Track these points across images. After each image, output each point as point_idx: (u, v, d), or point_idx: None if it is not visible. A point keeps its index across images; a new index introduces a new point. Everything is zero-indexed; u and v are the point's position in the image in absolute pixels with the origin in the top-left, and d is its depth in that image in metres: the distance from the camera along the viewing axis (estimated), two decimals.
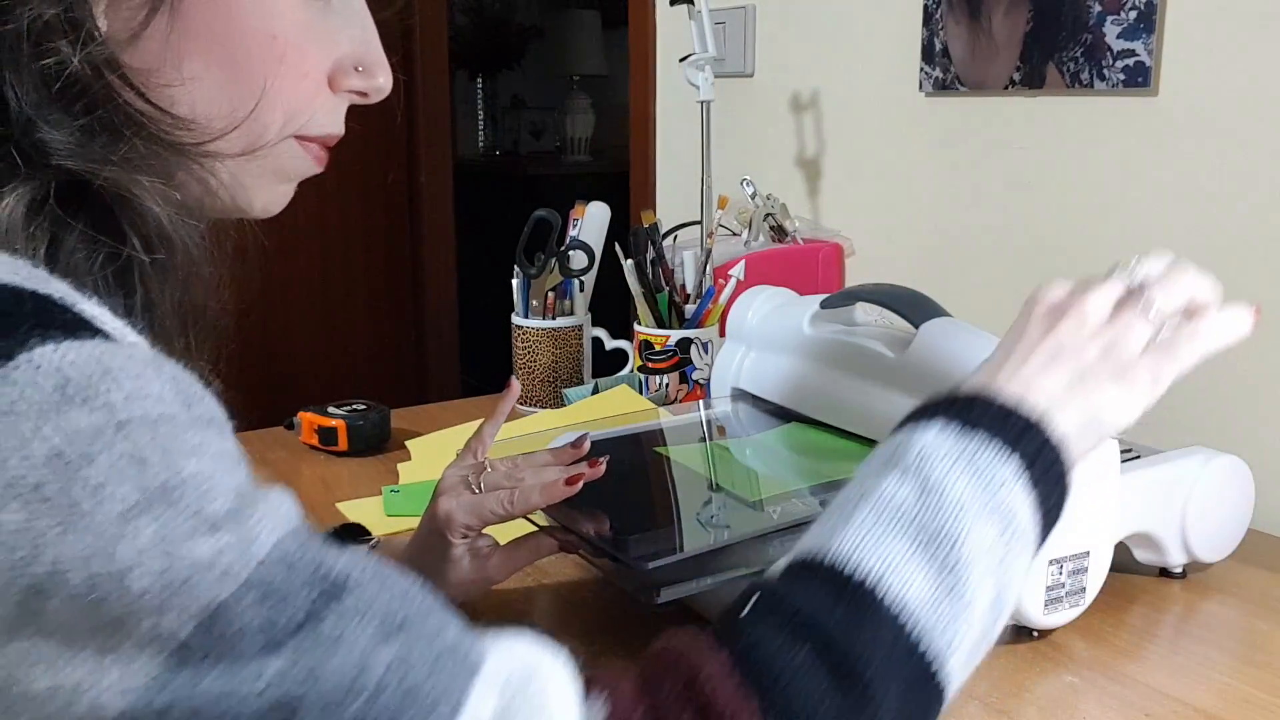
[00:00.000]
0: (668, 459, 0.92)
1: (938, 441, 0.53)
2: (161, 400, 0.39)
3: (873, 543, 0.49)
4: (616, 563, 0.72)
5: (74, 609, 0.36)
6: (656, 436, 0.97)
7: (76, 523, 0.36)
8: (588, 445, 0.78)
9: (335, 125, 0.57)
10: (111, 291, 0.48)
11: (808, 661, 0.45)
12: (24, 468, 0.36)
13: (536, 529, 0.80)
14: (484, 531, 0.77)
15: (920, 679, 0.48)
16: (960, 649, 0.49)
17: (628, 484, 0.86)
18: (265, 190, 0.56)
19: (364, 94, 0.58)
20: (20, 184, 0.45)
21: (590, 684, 0.45)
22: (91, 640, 0.37)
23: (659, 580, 0.68)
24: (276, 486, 0.42)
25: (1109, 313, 0.60)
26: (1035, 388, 0.56)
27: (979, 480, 0.51)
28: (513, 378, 0.84)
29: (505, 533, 0.79)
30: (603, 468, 0.74)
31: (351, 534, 0.86)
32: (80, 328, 0.39)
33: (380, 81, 0.58)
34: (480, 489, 0.75)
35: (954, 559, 0.49)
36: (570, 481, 0.73)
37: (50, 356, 0.38)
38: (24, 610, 0.36)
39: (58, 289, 0.41)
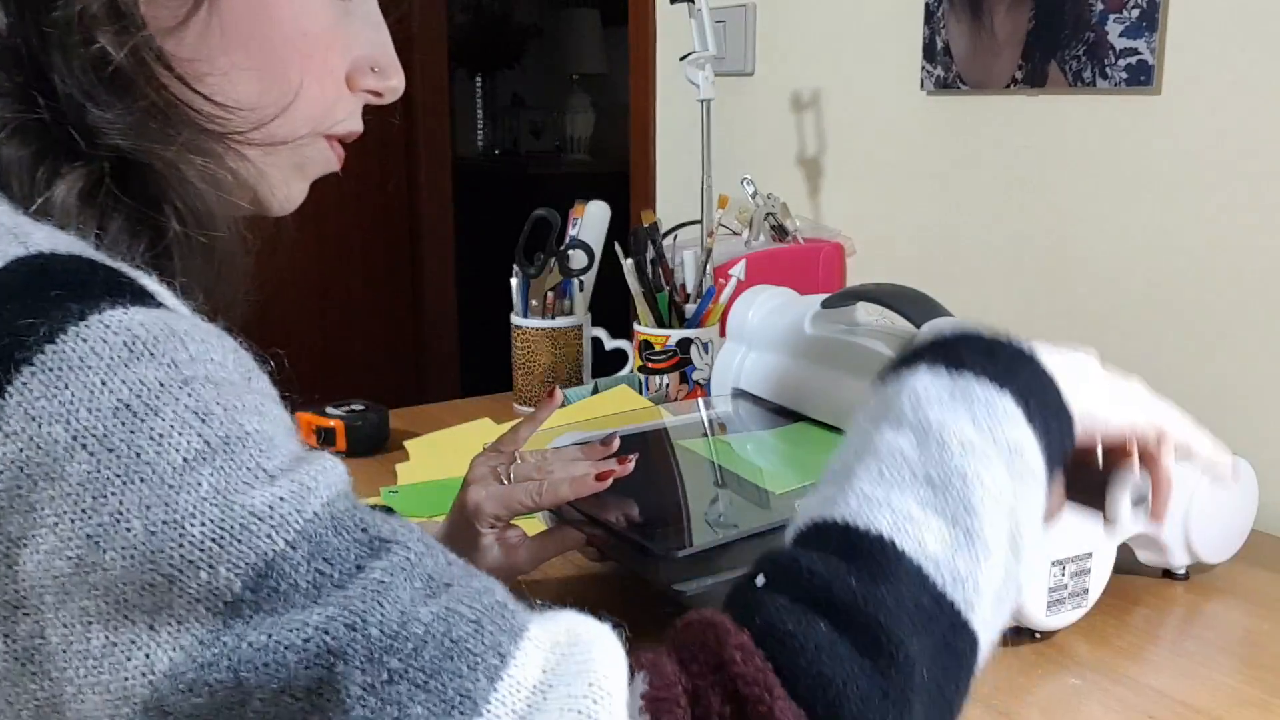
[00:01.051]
0: (691, 454, 0.93)
1: (927, 384, 0.50)
2: (224, 366, 0.41)
3: (881, 497, 0.47)
4: (644, 553, 0.73)
5: (130, 561, 0.37)
6: (679, 432, 0.98)
7: (139, 471, 0.37)
8: (617, 443, 0.80)
9: (356, 123, 0.59)
10: (151, 274, 0.49)
11: (828, 636, 0.43)
12: (92, 419, 0.37)
13: (557, 523, 0.81)
14: (513, 523, 0.79)
15: (951, 630, 0.45)
16: (985, 595, 0.46)
17: (653, 478, 0.88)
18: (287, 186, 0.58)
19: (379, 94, 0.60)
20: (74, 169, 0.47)
21: (632, 662, 0.43)
22: (146, 596, 0.37)
23: (687, 572, 0.70)
24: (327, 453, 0.43)
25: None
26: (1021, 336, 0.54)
27: (976, 418, 0.49)
28: (556, 388, 0.85)
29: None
30: (631, 465, 0.76)
31: None
32: (146, 297, 0.41)
33: (394, 82, 0.60)
34: (510, 480, 0.77)
35: (965, 503, 0.47)
36: (600, 478, 0.75)
37: (121, 317, 0.39)
38: (81, 565, 0.37)
39: (116, 264, 0.43)
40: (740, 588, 0.47)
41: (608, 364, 1.40)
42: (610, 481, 0.75)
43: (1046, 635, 0.78)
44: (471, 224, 3.25)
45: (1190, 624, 0.83)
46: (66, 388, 0.37)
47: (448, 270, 3.10)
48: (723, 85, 1.50)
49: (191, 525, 0.37)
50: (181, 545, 0.37)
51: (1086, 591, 0.78)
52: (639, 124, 1.82)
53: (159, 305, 0.41)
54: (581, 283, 1.33)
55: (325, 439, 1.16)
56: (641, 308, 1.25)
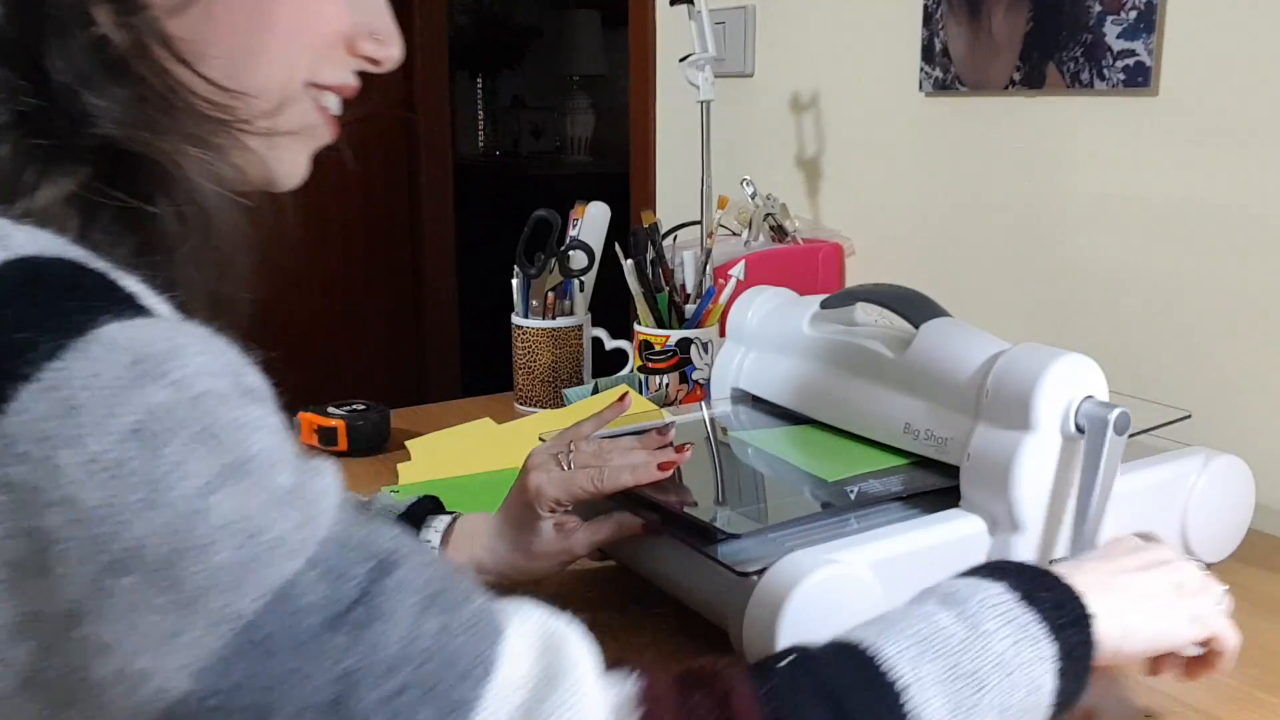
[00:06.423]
0: (738, 442, 0.95)
1: (999, 599, 0.57)
2: (220, 375, 0.40)
3: (913, 655, 0.53)
4: (706, 534, 0.75)
5: (149, 587, 0.37)
6: (722, 423, 1.01)
7: (159, 498, 0.37)
8: (674, 433, 0.82)
9: (347, 78, 0.58)
10: (132, 272, 0.46)
11: None
12: (105, 444, 0.36)
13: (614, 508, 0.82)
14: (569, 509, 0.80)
15: None
16: None
17: (704, 464, 0.90)
18: (288, 156, 0.57)
19: (377, 62, 0.59)
20: (63, 169, 0.45)
21: (620, 663, 0.48)
22: (162, 621, 0.37)
23: (749, 551, 0.72)
24: (319, 457, 0.44)
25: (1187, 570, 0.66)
26: (1100, 588, 0.61)
27: (1021, 649, 0.56)
28: (629, 394, 0.86)
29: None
30: (689, 453, 0.78)
31: (429, 507, 0.86)
32: (138, 306, 0.40)
33: (395, 51, 0.60)
34: (570, 466, 0.79)
35: (974, 702, 0.54)
36: (663, 467, 0.77)
37: (120, 332, 0.38)
38: (96, 589, 0.36)
39: (101, 265, 0.41)
40: (770, 659, 0.53)
41: (608, 364, 1.40)
42: (672, 471, 0.77)
43: None
44: (472, 224, 3.25)
45: None
46: (75, 411, 0.36)
47: (448, 270, 3.10)
48: (722, 86, 1.51)
49: (214, 551, 0.37)
50: (204, 572, 0.37)
51: None
52: (639, 125, 1.82)
53: (149, 314, 0.41)
54: (582, 283, 1.34)
55: (327, 439, 1.16)
56: (641, 308, 1.25)
